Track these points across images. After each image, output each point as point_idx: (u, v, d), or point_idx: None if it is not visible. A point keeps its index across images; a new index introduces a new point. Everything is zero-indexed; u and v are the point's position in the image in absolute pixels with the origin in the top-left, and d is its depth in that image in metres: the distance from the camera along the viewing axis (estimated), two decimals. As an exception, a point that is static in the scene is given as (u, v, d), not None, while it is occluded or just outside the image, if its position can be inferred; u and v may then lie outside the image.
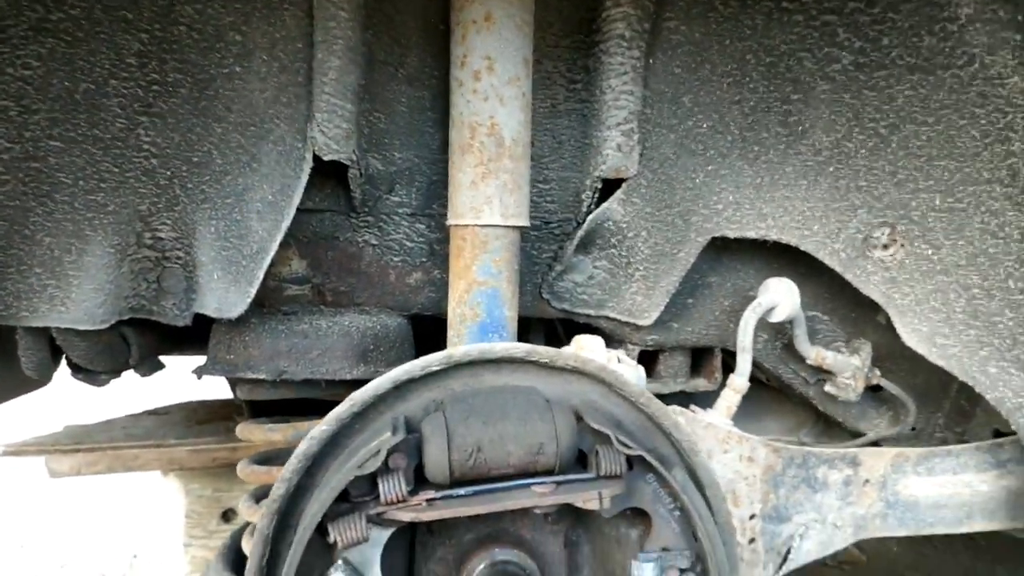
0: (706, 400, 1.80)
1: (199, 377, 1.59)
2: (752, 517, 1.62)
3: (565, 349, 1.40)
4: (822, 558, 1.71)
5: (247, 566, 1.07)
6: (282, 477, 1.07)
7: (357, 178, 1.54)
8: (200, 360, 2.02)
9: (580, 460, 1.11)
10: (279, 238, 1.42)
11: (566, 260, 1.68)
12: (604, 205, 1.61)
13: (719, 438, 1.60)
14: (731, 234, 1.65)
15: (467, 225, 1.47)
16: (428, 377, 1.13)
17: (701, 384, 1.92)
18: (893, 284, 1.63)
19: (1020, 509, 1.72)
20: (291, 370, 1.49)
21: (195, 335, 1.73)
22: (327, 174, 1.56)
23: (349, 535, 1.00)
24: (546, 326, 2.05)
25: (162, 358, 1.93)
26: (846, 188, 1.62)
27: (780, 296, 1.67)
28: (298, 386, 1.54)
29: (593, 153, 1.61)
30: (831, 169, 1.61)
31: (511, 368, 1.17)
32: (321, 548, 1.01)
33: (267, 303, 1.63)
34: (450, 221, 1.50)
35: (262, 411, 1.74)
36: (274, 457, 1.59)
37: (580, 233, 1.64)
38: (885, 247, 1.63)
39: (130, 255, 1.46)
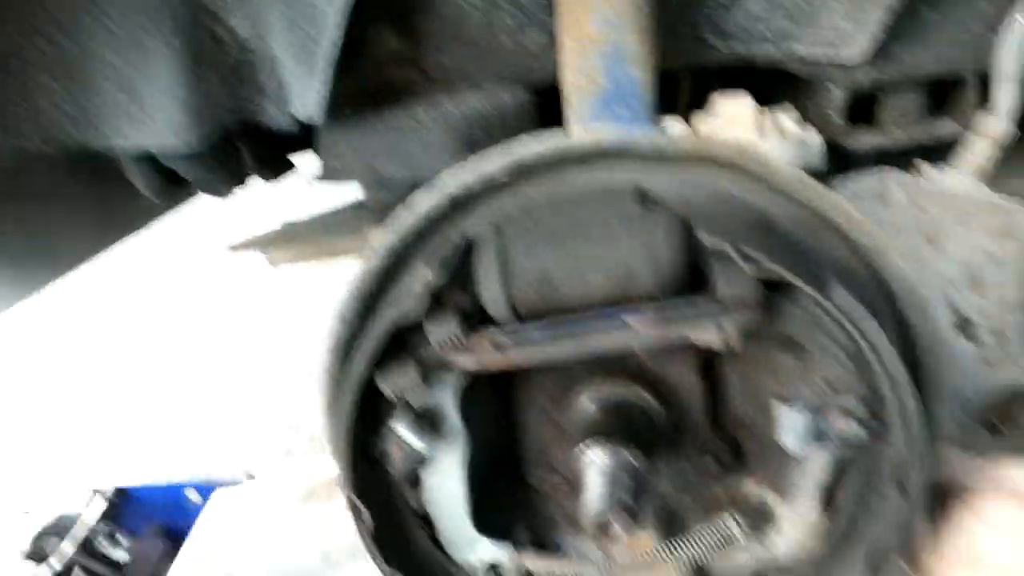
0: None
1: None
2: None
3: (703, 128, 1.03)
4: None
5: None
6: (340, 316, 0.92)
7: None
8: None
9: (698, 281, 0.81)
10: (344, 12, 1.15)
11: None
12: None
13: (957, 210, 1.15)
14: None
15: (569, -44, 1.08)
16: (496, 185, 0.87)
17: (946, 129, 1.39)
18: None
19: None
20: (390, 172, 1.29)
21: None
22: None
23: (402, 385, 0.83)
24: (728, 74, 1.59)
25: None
26: None
27: (1076, -17, 1.07)
28: (400, 187, 1.34)
29: None
30: None
31: (606, 163, 0.85)
32: (377, 399, 0.87)
33: (369, 93, 1.41)
34: (550, -46, 1.12)
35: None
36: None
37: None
38: None
39: (208, 58, 1.30)
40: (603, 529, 0.78)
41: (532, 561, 0.96)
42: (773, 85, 1.47)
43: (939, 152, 1.47)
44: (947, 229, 1.15)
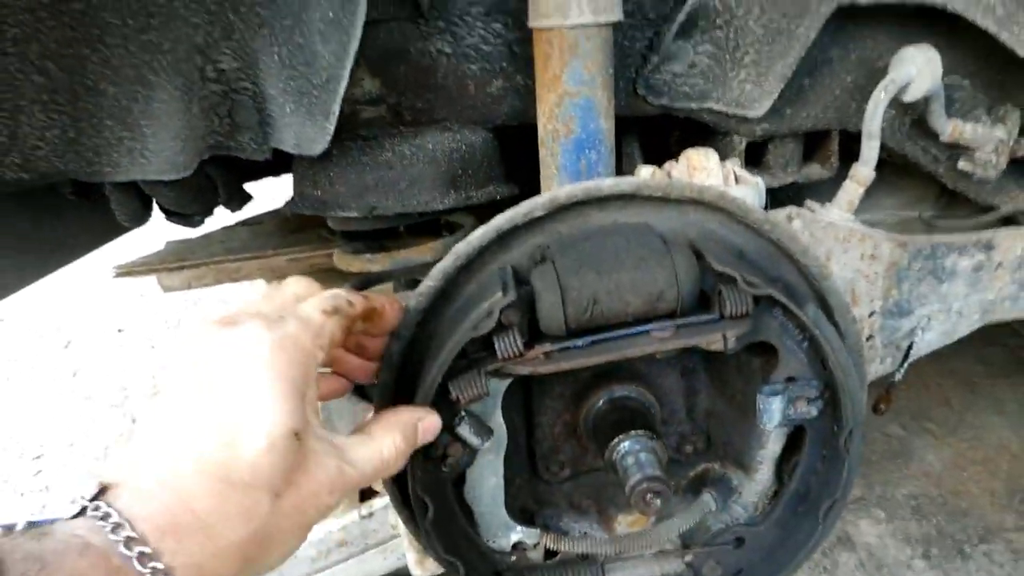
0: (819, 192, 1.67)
1: (289, 213, 1.55)
2: (871, 315, 1.55)
3: (676, 173, 1.27)
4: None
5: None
6: (396, 335, 1.06)
7: (422, -22, 1.34)
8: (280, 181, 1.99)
9: (701, 299, 1.04)
10: (350, 62, 1.28)
11: (665, 49, 1.48)
12: (710, -19, 1.37)
13: (839, 237, 1.48)
14: (864, 0, 1.39)
15: (553, 27, 1.28)
16: (532, 222, 1.05)
17: (815, 172, 1.75)
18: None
19: None
20: (382, 205, 1.42)
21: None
22: (388, -23, 1.37)
23: (470, 392, 0.99)
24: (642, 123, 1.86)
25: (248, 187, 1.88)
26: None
27: (918, 69, 1.44)
28: (391, 219, 1.48)
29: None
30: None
31: (619, 204, 1.07)
32: (443, 403, 1.02)
33: (344, 129, 1.52)
34: (532, 23, 1.31)
35: (353, 236, 1.70)
36: (373, 281, 1.62)
37: (680, 17, 1.42)
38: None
39: (197, 93, 1.36)
40: (645, 503, 0.99)
41: (553, 541, 1.15)
42: (686, 132, 1.77)
43: (807, 189, 1.85)
44: (832, 253, 1.49)
